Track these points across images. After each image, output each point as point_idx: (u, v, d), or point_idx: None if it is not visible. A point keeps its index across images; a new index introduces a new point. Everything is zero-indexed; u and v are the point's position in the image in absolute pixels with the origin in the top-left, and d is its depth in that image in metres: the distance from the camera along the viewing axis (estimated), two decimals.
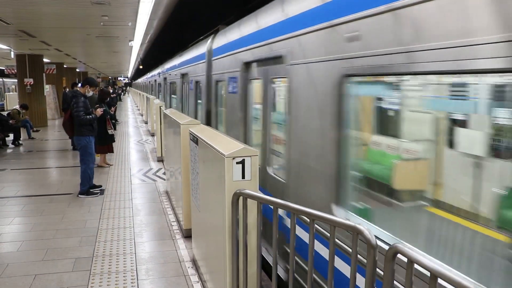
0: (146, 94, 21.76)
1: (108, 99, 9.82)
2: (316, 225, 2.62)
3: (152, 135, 14.73)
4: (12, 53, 15.61)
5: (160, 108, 10.51)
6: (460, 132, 2.32)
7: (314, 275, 2.88)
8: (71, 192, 7.41)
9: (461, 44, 1.90)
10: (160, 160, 10.18)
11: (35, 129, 15.54)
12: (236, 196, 2.90)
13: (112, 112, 10.16)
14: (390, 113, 2.91)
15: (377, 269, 2.00)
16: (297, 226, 3.80)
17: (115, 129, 14.10)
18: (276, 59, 4.23)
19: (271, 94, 4.66)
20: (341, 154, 2.98)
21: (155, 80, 24.19)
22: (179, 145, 5.19)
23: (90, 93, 7.50)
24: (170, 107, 14.31)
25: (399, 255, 1.81)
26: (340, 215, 2.90)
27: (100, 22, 9.67)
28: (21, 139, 13.40)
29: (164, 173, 8.74)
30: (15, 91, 26.45)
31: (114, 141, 9.97)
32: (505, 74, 1.86)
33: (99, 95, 8.51)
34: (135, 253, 4.82)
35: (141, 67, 30.65)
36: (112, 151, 9.99)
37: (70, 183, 7.95)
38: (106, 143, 9.40)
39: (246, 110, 5.52)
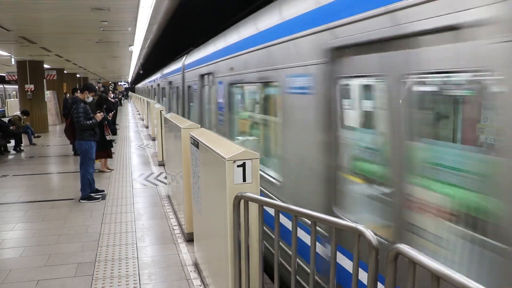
0: (147, 99, 21.55)
1: (105, 105, 9.72)
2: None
3: (153, 139, 14.75)
4: (12, 59, 15.66)
5: (160, 113, 10.53)
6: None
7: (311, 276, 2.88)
8: (73, 197, 7.42)
9: None
10: (161, 164, 10.18)
11: (36, 135, 15.57)
12: (238, 199, 2.90)
13: (110, 118, 10.14)
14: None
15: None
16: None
17: (115, 134, 14.10)
18: None
19: None
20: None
21: (158, 85, 22.19)
22: (180, 149, 5.20)
23: (90, 99, 7.53)
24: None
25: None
26: None
27: (100, 28, 9.71)
28: (22, 145, 13.43)
29: (165, 177, 8.75)
30: (16, 97, 26.52)
31: (112, 146, 9.98)
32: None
33: (97, 100, 8.55)
34: (137, 258, 4.83)
35: (141, 71, 30.66)
36: (111, 157, 10.00)
37: (72, 189, 7.96)
38: (105, 148, 9.41)
39: None
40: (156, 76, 24.32)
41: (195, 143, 4.16)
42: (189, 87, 10.96)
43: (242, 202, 2.89)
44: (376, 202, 2.92)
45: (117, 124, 19.10)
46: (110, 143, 9.67)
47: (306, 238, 3.44)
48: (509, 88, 1.81)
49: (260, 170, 4.15)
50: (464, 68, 2.09)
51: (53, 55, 15.86)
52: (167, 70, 17.36)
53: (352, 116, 3.34)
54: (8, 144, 12.95)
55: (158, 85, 22.35)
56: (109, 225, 5.96)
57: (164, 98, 19.67)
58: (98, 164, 9.18)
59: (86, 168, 7.23)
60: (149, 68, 29.97)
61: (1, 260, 4.87)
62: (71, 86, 23.18)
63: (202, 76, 8.80)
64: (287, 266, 4.04)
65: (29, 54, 15.44)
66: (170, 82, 15.69)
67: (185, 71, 11.41)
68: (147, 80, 37.35)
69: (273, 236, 2.78)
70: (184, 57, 11.96)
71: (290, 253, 2.66)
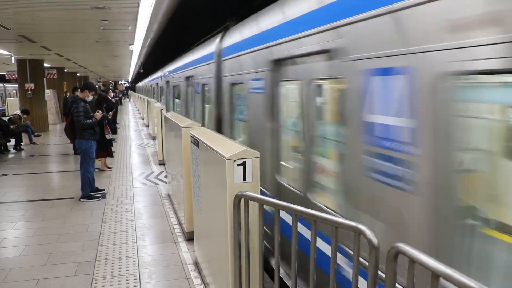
0: (147, 98, 21.34)
1: (105, 104, 9.63)
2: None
3: (153, 138, 14.76)
4: (12, 58, 15.66)
5: (161, 112, 10.53)
6: None
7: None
8: (73, 196, 7.42)
9: None
10: (162, 163, 10.18)
11: (36, 134, 15.58)
12: (238, 198, 2.90)
13: (110, 117, 10.13)
14: None
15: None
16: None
17: (115, 133, 14.10)
18: None
19: None
20: None
21: (167, 82, 16.09)
22: (180, 148, 5.20)
23: (90, 98, 7.52)
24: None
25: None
26: None
27: (100, 27, 9.71)
28: (22, 144, 13.43)
29: (165, 176, 8.75)
30: (16, 96, 26.53)
31: (112, 145, 9.99)
32: None
33: (97, 99, 8.55)
34: (137, 257, 4.83)
35: (141, 71, 30.67)
36: (111, 155, 10.01)
37: (72, 188, 7.96)
38: (105, 147, 9.41)
39: None
40: (163, 71, 18.33)
41: (196, 142, 4.16)
42: (232, 84, 6.11)
43: (242, 201, 2.89)
44: None
45: (118, 123, 19.10)
46: (110, 142, 9.68)
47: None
48: None
49: None
50: None
51: (53, 54, 15.87)
52: (183, 61, 11.92)
53: None
54: (8, 143, 12.96)
55: (167, 82, 16.17)
56: (109, 224, 5.96)
57: (176, 102, 13.84)
58: (98, 163, 9.18)
59: (86, 167, 7.23)
60: (150, 67, 29.83)
61: (1, 259, 4.88)
62: (71, 85, 23.20)
63: (278, 63, 4.28)
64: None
65: (29, 53, 15.45)
66: (188, 78, 10.44)
67: (223, 58, 6.56)
68: (150, 78, 29.83)
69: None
70: (219, 37, 7.01)
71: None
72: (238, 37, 5.90)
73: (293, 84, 4.07)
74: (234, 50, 6.01)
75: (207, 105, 8.18)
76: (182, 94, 11.65)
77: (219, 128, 6.84)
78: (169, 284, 4.19)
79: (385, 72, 2.46)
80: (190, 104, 10.31)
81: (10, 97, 32.00)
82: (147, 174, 9.27)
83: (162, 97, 19.11)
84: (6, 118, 14.69)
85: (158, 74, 21.39)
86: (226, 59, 6.41)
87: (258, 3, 5.62)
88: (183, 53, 13.13)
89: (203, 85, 8.26)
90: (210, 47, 7.72)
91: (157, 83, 21.84)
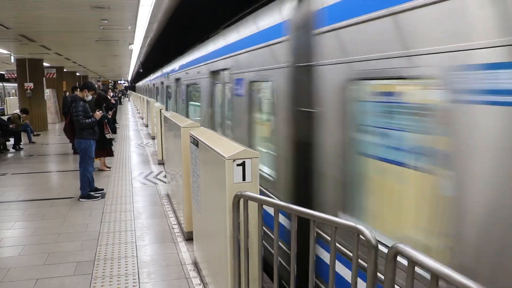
0: (147, 98, 21.26)
1: (104, 104, 9.55)
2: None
3: (153, 138, 14.75)
4: (12, 57, 15.65)
5: (160, 111, 10.52)
6: None
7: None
8: (72, 196, 7.41)
9: None
10: (161, 163, 10.18)
11: (35, 133, 15.57)
12: (237, 198, 2.90)
13: (110, 116, 10.13)
14: None
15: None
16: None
17: (114, 132, 14.09)
18: None
19: None
20: None
21: (177, 80, 12.26)
22: (180, 148, 5.20)
23: (89, 97, 7.52)
24: None
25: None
26: None
27: (99, 26, 9.70)
28: (21, 143, 13.42)
29: (165, 176, 8.75)
30: (16, 96, 26.50)
31: (112, 144, 9.98)
32: None
33: (96, 99, 8.54)
34: (136, 256, 4.82)
35: (141, 70, 30.62)
36: (112, 155, 10.00)
37: (71, 187, 7.95)
38: (105, 147, 9.41)
39: None
40: (171, 67, 14.10)
41: (195, 142, 4.16)
42: (357, 80, 2.73)
43: (241, 201, 2.88)
44: None
45: (117, 123, 19.10)
46: (110, 142, 9.67)
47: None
48: None
49: None
50: None
51: (53, 53, 15.85)
52: (207, 49, 7.97)
53: None
54: (7, 143, 12.94)
55: (177, 80, 12.15)
56: (109, 223, 5.95)
57: (191, 108, 10.35)
58: (97, 162, 9.18)
59: (86, 166, 7.23)
60: (150, 66, 29.76)
61: (0, 258, 4.87)
62: (71, 84, 23.21)
63: None
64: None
65: (28, 52, 15.43)
66: (214, 73, 7.18)
67: (321, 30, 3.16)
68: (152, 76, 25.54)
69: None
70: None
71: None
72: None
73: None
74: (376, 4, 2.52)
75: (262, 119, 5.01)
76: (204, 97, 7.94)
77: (305, 177, 3.52)
78: (168, 284, 4.19)
79: None
80: (223, 113, 6.82)
81: (10, 96, 31.98)
82: (146, 173, 9.26)
83: (169, 100, 14.80)
84: (5, 118, 14.67)
85: (164, 70, 17.15)
86: (335, 29, 3.03)
87: None
88: (207, 38, 9.07)
89: (251, 82, 5.06)
90: (274, 17, 4.39)
91: (162, 82, 17.44)
